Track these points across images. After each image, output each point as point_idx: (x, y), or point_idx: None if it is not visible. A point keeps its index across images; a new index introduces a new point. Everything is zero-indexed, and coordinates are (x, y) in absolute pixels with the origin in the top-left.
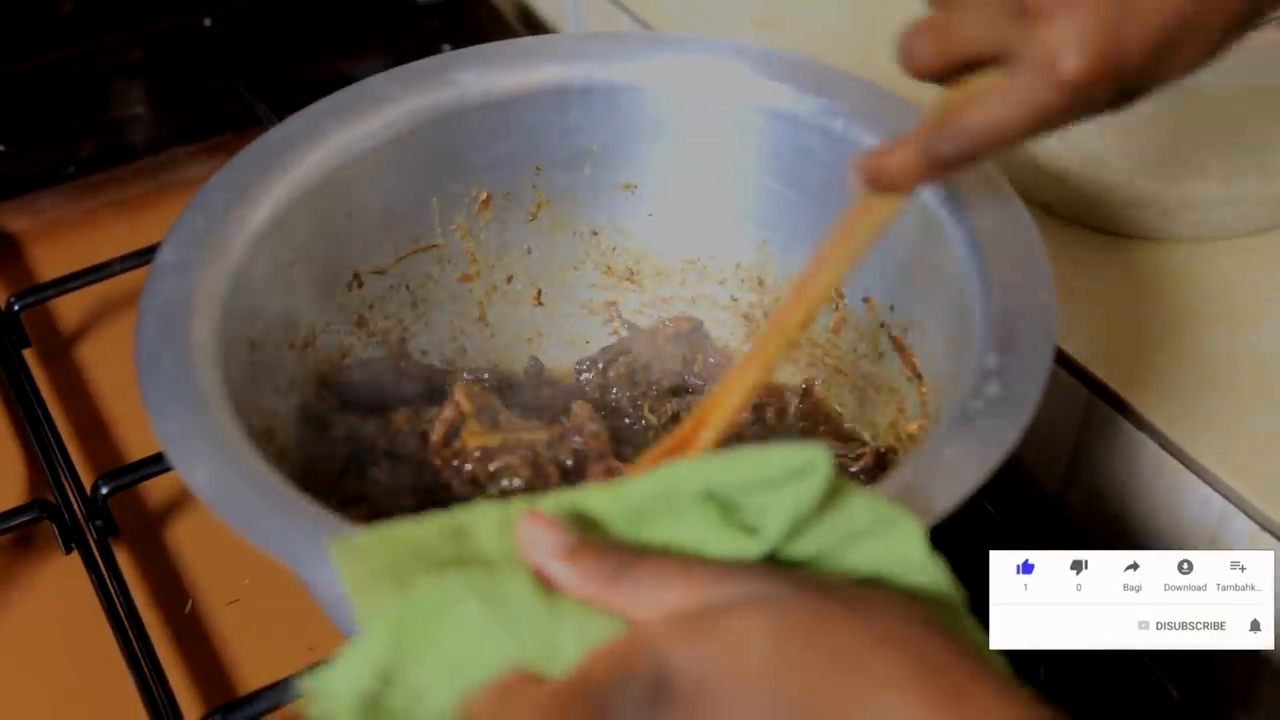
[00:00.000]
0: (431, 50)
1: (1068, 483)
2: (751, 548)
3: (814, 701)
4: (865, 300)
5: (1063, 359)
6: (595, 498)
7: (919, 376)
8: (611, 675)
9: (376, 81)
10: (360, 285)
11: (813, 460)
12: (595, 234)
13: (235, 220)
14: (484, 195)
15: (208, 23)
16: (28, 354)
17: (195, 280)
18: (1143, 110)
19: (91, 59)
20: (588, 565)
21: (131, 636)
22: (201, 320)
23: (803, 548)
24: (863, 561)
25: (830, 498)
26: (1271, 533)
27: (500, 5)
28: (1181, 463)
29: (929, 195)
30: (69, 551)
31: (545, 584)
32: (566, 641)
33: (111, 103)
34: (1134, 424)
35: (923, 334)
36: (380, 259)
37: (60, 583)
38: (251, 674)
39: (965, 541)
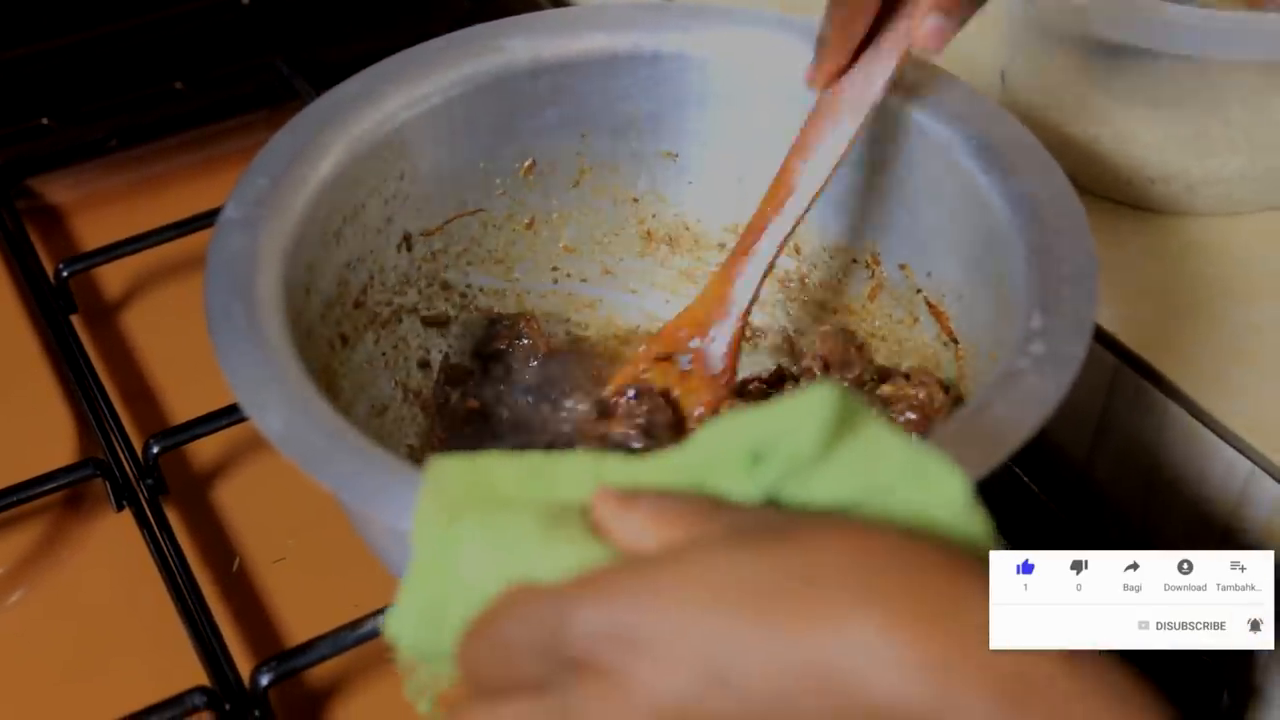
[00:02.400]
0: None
1: (1094, 450)
2: (750, 488)
3: (770, 628)
4: (901, 267)
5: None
6: (659, 463)
7: (955, 341)
8: (520, 620)
9: (429, 48)
10: (410, 247)
11: (818, 398)
12: (636, 201)
13: (294, 179)
14: (529, 161)
15: (245, 0)
16: (75, 320)
17: (259, 235)
18: (1170, 87)
19: (133, 35)
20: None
21: (184, 591)
22: (266, 274)
23: (821, 493)
24: (895, 515)
25: (852, 440)
26: None
27: None
28: (1210, 428)
29: (970, 161)
30: (120, 509)
31: (558, 518)
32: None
33: (152, 78)
34: (1163, 391)
35: (960, 299)
36: (429, 222)
37: (111, 540)
38: (299, 629)
39: (997, 510)
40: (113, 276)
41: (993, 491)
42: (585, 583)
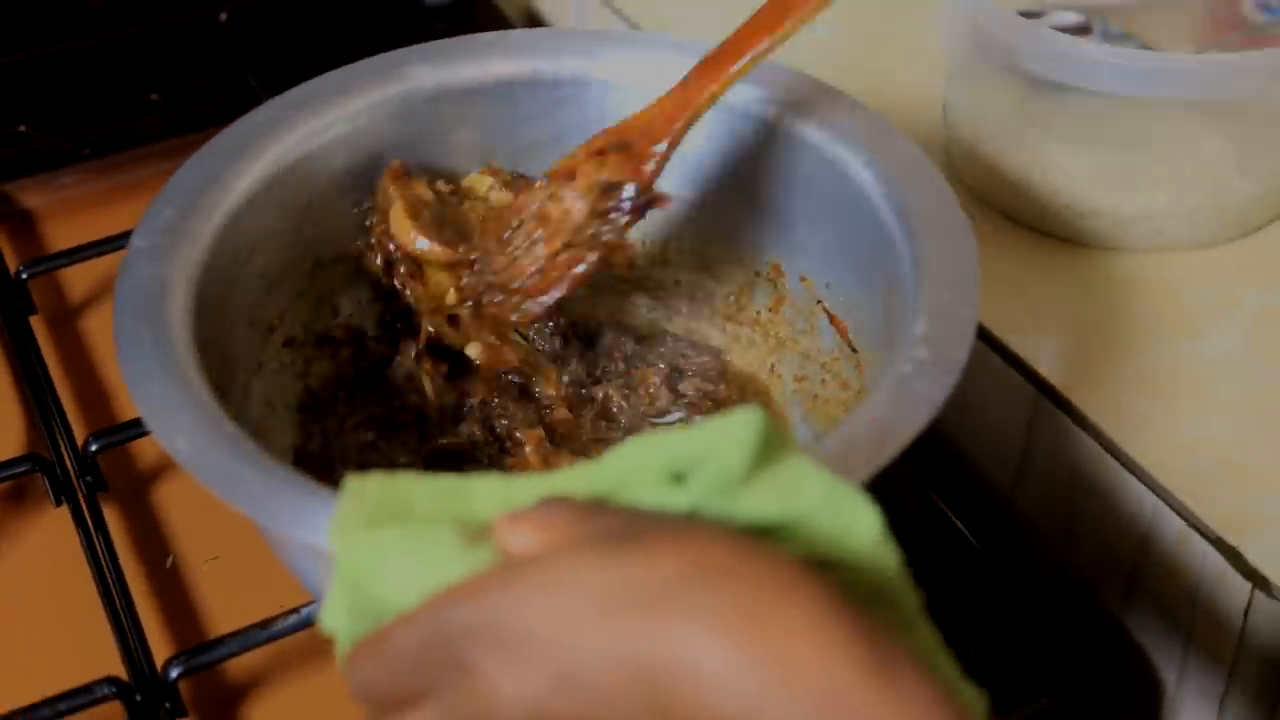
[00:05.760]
0: None
1: (1018, 480)
2: (675, 502)
3: (613, 633)
4: (802, 279)
5: (1013, 360)
6: (570, 481)
7: (854, 350)
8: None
9: (337, 75)
10: (321, 271)
11: (744, 420)
12: None
13: (202, 208)
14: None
15: (223, 17)
16: (34, 321)
17: (167, 265)
18: (1100, 122)
19: (112, 47)
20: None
21: (111, 583)
22: (174, 301)
23: (743, 514)
24: (812, 545)
25: (776, 467)
26: (1199, 530)
27: (506, 10)
28: (1119, 461)
29: (860, 174)
30: (59, 504)
31: (475, 537)
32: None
33: (129, 89)
34: (1077, 423)
35: (857, 308)
36: (339, 246)
37: (49, 534)
38: (224, 625)
39: (919, 541)
40: (76, 280)
41: (913, 521)
42: (458, 587)
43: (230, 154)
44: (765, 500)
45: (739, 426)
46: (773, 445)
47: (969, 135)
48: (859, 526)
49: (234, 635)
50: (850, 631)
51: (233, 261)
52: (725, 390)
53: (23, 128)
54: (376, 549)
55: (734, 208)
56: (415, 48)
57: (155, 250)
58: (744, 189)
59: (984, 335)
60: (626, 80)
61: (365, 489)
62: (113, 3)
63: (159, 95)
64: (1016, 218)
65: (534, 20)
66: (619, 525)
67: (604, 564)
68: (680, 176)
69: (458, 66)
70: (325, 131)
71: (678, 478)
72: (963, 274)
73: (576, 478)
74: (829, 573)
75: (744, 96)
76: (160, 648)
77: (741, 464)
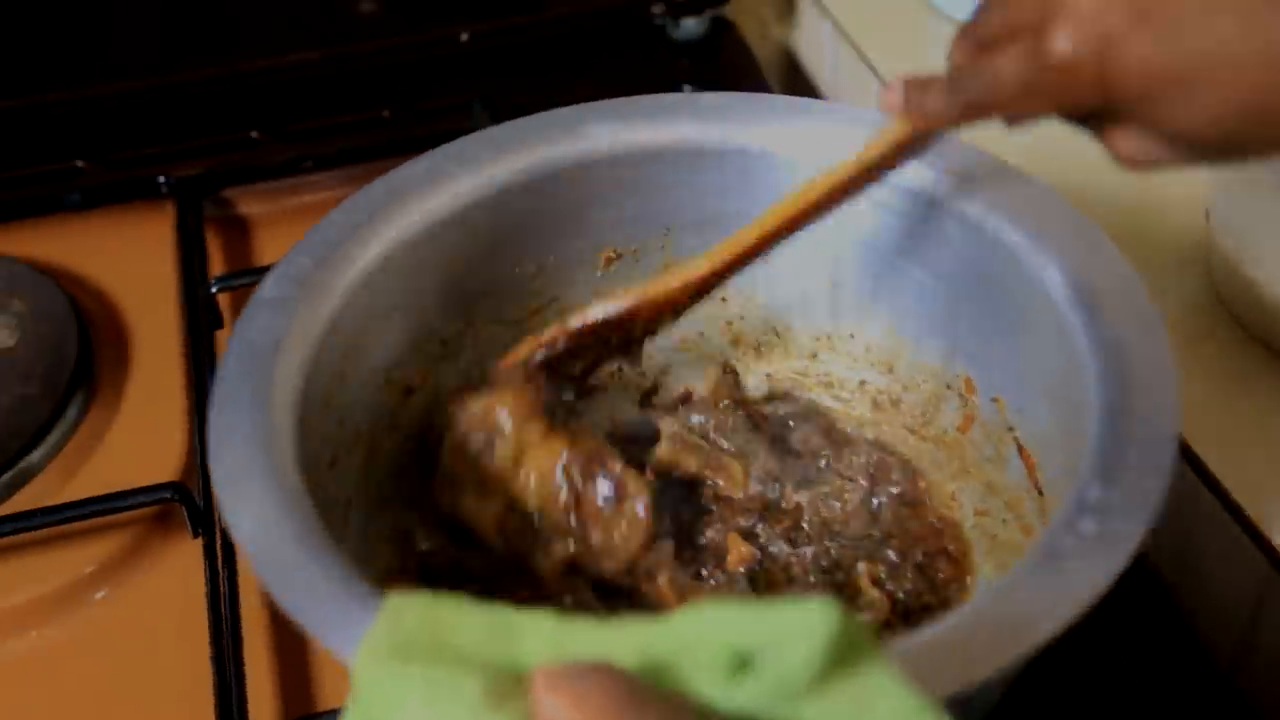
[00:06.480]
0: (675, 89)
1: (1240, 658)
2: (729, 701)
3: None
4: (994, 400)
5: (1246, 524)
6: (627, 641)
7: (1041, 493)
8: None
9: (504, 130)
10: (474, 333)
11: (813, 621)
12: (724, 300)
13: (341, 260)
14: (609, 253)
15: (464, 37)
16: (220, 335)
17: (291, 317)
18: None
19: (352, 60)
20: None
21: (224, 631)
22: (290, 357)
23: None
24: None
25: (852, 675)
26: None
27: (759, 49)
28: None
29: (1061, 294)
30: (196, 536)
31: (507, 689)
32: None
33: (365, 103)
34: None
35: (1049, 446)
36: (498, 310)
37: (183, 565)
38: (336, 693)
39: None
40: None
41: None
42: None
43: (379, 204)
44: (832, 715)
45: (810, 623)
46: (853, 646)
47: (1234, 251)
48: None
49: (330, 713)
50: None
51: (368, 319)
52: (918, 525)
53: (255, 134)
54: (398, 688)
55: (925, 305)
56: (596, 104)
57: (282, 302)
58: (939, 290)
59: (1213, 484)
60: (818, 155)
61: (404, 612)
62: (368, 14)
63: (390, 112)
64: (1267, 340)
65: (788, 61)
66: None
67: None
68: (869, 267)
69: (640, 128)
70: (485, 188)
71: (741, 661)
72: (1159, 431)
73: (634, 638)
74: None
75: (946, 189)
76: (263, 707)
77: (807, 667)
